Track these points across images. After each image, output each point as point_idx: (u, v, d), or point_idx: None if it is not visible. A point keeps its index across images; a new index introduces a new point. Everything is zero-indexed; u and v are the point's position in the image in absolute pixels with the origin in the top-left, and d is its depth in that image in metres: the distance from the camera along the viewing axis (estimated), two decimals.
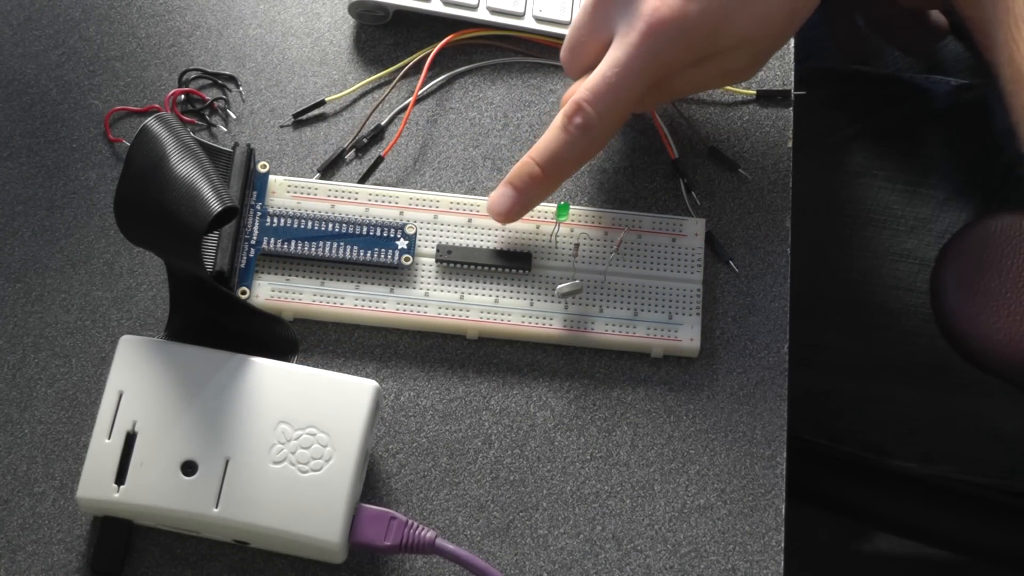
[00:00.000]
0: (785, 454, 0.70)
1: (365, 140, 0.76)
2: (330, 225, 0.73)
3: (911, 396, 0.89)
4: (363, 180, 0.75)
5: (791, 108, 0.78)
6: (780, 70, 0.79)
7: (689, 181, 0.75)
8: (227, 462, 0.65)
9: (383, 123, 0.77)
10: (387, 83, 0.77)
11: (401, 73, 0.77)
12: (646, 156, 0.77)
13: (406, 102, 0.77)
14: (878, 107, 0.92)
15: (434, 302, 0.72)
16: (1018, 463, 0.90)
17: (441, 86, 0.78)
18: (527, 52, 0.79)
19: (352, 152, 0.76)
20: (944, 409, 0.89)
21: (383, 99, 0.77)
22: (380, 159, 0.76)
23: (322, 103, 0.77)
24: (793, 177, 0.76)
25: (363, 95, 0.77)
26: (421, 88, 0.77)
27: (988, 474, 0.91)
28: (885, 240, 0.89)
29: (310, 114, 0.77)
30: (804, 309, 0.75)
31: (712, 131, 0.78)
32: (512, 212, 0.71)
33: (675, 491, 0.69)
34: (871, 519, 1.03)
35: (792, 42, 0.79)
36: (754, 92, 0.78)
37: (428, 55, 0.77)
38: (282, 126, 0.77)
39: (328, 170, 0.76)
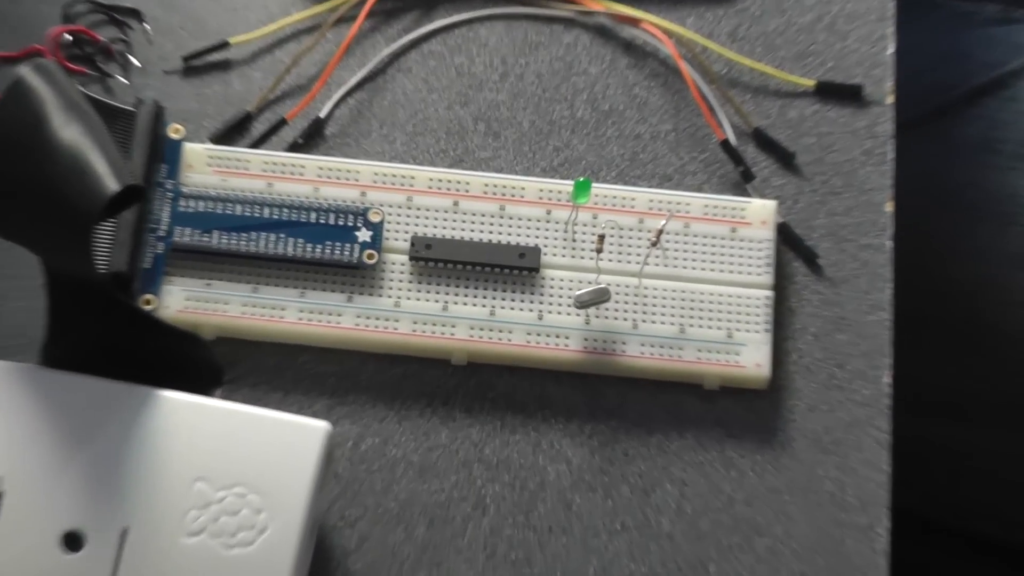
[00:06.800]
0: (887, 523, 0.62)
1: (314, 96, 0.69)
2: (266, 210, 0.66)
3: None
4: (309, 149, 0.68)
5: (893, 52, 0.69)
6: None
7: (746, 169, 0.67)
8: (124, 534, 0.58)
9: (337, 73, 0.69)
10: (347, 20, 0.69)
11: (365, 8, 0.69)
12: (695, 118, 0.68)
13: (365, 46, 0.69)
14: (1003, 58, 0.86)
15: (407, 314, 0.65)
16: None
17: (416, 23, 0.70)
18: None
19: (296, 112, 0.69)
20: None
21: (344, 46, 0.68)
22: (324, 120, 0.69)
23: (226, 44, 0.69)
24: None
25: (297, 34, 0.70)
26: (362, 25, 0.68)
27: None
28: (1010, 240, 0.82)
29: (222, 58, 0.69)
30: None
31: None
32: None
33: (738, 573, 0.62)
34: None
35: None
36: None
37: None
38: (185, 72, 0.69)
39: (263, 136, 0.68)
